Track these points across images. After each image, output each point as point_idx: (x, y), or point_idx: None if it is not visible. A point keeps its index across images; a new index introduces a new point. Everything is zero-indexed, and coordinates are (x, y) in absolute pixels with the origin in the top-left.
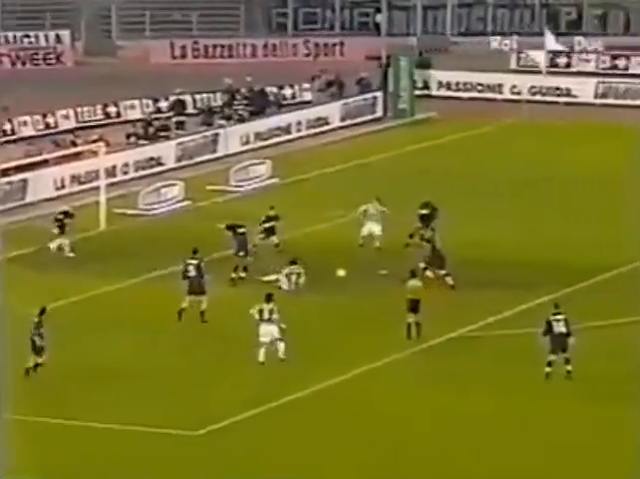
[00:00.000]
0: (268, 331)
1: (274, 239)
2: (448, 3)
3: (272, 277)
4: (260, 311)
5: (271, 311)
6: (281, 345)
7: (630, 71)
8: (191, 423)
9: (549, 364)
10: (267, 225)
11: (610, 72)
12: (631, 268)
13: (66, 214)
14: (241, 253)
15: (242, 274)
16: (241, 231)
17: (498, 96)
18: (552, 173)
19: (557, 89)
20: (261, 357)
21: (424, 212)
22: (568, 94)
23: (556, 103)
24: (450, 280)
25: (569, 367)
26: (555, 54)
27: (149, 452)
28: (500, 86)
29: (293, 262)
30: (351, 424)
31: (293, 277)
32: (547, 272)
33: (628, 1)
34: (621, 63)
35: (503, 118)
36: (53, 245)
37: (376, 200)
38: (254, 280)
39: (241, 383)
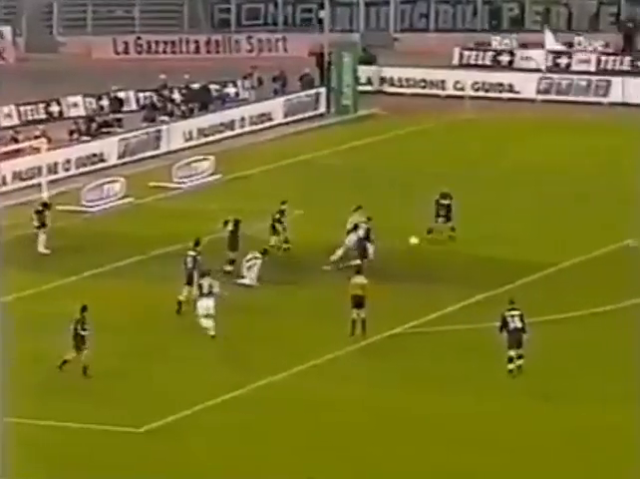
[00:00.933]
0: (205, 306)
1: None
2: None
3: (229, 268)
4: (200, 286)
5: (210, 285)
6: (209, 322)
7: (573, 68)
8: (134, 421)
9: (510, 361)
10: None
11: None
12: (570, 265)
13: (45, 205)
14: (232, 249)
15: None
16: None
17: (442, 92)
18: (497, 168)
19: (500, 85)
20: (211, 332)
21: (445, 202)
22: (511, 90)
23: (499, 99)
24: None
25: (520, 362)
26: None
27: (89, 449)
28: (444, 82)
29: (264, 252)
30: (293, 421)
31: (251, 266)
32: (489, 269)
33: None
34: (563, 61)
35: (447, 114)
36: (40, 239)
37: (357, 209)
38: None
39: (183, 380)
